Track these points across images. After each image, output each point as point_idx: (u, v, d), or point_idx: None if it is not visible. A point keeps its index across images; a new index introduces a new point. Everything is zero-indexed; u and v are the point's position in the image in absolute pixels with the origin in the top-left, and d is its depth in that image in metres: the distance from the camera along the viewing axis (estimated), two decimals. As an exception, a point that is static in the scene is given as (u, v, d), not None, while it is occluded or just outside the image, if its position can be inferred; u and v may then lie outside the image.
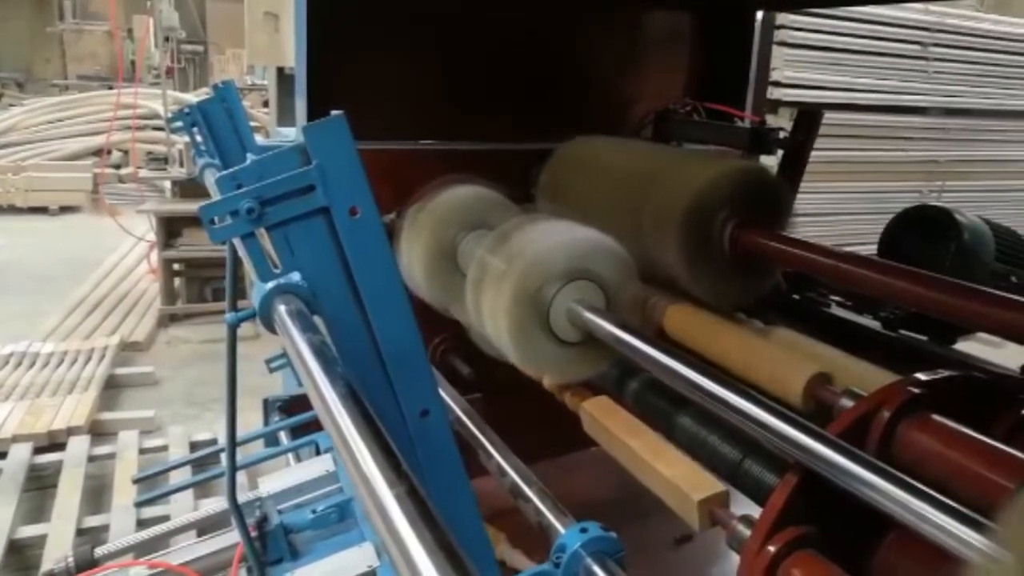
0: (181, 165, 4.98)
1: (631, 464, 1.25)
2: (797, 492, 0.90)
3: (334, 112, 0.83)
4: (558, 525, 1.10)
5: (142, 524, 2.50)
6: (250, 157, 0.83)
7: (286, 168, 0.81)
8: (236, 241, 0.88)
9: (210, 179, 1.48)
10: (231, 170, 0.81)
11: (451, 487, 0.95)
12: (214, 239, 0.81)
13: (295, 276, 0.84)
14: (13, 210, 7.93)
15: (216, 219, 0.81)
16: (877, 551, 0.90)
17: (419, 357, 0.91)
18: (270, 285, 0.82)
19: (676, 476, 1.14)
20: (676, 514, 1.14)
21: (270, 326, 0.82)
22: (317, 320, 0.84)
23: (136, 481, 2.42)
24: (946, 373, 0.98)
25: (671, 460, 1.18)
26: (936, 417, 0.91)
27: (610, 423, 1.34)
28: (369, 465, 0.54)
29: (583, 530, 0.99)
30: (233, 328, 0.93)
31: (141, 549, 1.52)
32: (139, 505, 2.60)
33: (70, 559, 1.41)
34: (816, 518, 0.90)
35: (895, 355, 1.45)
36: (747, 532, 0.95)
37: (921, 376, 0.97)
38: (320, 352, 0.72)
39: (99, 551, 1.43)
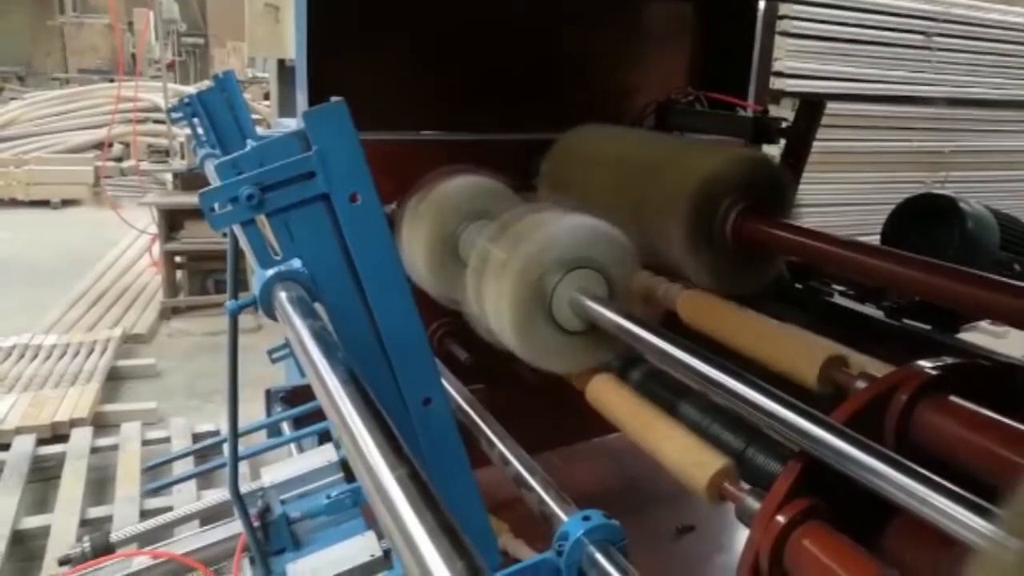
0: (182, 157, 4.99)
1: (638, 439, 1.24)
2: (803, 476, 0.89)
3: (334, 98, 0.82)
4: (561, 513, 1.10)
5: (145, 515, 2.51)
6: (250, 143, 0.82)
7: (286, 154, 0.81)
8: (237, 228, 0.87)
9: (211, 169, 1.47)
10: (231, 156, 0.80)
11: (454, 476, 0.95)
12: (214, 226, 0.81)
13: (296, 263, 0.83)
14: (15, 203, 7.95)
15: (216, 206, 0.80)
16: (885, 533, 0.90)
17: (421, 345, 0.91)
18: (270, 272, 0.82)
19: (684, 450, 1.12)
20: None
21: (271, 313, 0.82)
22: (318, 307, 0.83)
23: (145, 470, 2.43)
24: (954, 360, 0.97)
25: (679, 435, 1.17)
26: (955, 399, 0.90)
27: (618, 399, 1.33)
28: (371, 449, 0.54)
29: (586, 518, 0.99)
30: (234, 316, 0.93)
31: (145, 539, 1.52)
32: (143, 496, 2.62)
33: (86, 544, 1.42)
34: (824, 499, 0.89)
35: (899, 344, 1.45)
36: (757, 505, 0.94)
37: (930, 362, 0.96)
38: (321, 338, 0.72)
39: (114, 536, 1.44)
